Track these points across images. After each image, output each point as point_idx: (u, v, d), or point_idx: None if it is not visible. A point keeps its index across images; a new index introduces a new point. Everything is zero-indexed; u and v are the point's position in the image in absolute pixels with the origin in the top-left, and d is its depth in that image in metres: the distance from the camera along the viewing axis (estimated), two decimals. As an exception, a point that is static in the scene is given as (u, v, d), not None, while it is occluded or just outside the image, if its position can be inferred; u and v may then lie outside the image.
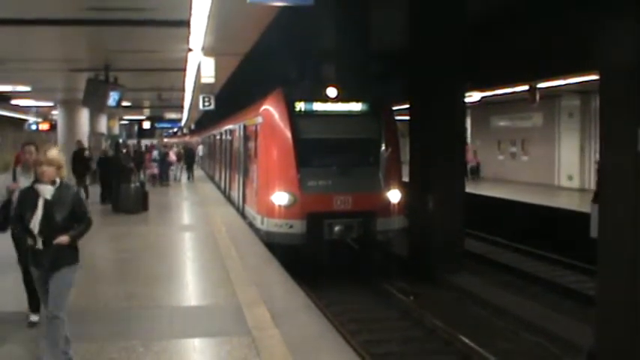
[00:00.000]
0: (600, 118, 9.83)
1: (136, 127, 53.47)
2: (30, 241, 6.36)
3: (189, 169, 37.48)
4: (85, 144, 29.67)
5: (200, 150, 48.99)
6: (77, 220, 6.52)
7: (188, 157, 38.23)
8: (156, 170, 31.99)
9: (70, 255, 6.51)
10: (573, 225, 16.13)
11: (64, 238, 6.31)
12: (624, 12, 8.73)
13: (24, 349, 7.10)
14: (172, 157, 33.97)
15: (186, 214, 21.73)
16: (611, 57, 9.13)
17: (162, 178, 32.18)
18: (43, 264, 6.37)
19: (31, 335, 7.49)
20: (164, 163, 32.69)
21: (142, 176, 27.06)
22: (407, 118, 18.79)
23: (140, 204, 19.87)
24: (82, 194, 6.82)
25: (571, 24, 16.45)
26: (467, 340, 11.10)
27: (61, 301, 6.42)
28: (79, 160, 23.46)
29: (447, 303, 14.14)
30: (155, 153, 33.30)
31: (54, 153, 6.51)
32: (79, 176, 23.10)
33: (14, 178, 8.16)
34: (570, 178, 26.40)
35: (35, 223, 6.29)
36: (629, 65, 8.60)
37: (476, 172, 32.83)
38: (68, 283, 6.53)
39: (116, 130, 43.12)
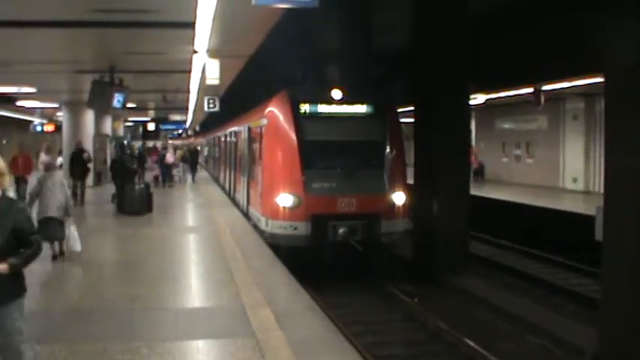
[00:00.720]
0: (605, 121, 9.81)
1: (140, 129, 53.54)
2: None
3: (193, 170, 37.67)
4: (90, 145, 29.79)
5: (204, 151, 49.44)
6: (22, 242, 5.43)
7: (191, 159, 38.39)
8: (157, 172, 32.37)
9: (11, 286, 5.43)
10: (578, 228, 16.13)
11: (2, 267, 5.20)
12: (629, 13, 8.72)
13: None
14: (170, 158, 33.95)
15: (190, 216, 21.77)
16: (616, 58, 9.12)
17: (165, 180, 32.42)
18: None
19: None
20: (162, 164, 32.98)
21: (145, 177, 27.19)
22: (412, 120, 18.78)
23: (145, 205, 19.89)
24: (29, 211, 5.76)
25: (575, 25, 16.44)
26: (471, 343, 11.08)
27: (15, 337, 5.51)
28: (77, 162, 22.94)
29: (451, 305, 14.12)
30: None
31: None
32: (76, 179, 22.46)
33: None
34: (575, 180, 26.37)
35: None
36: (635, 67, 8.59)
37: (480, 174, 32.80)
38: (16, 319, 5.51)
39: (121, 132, 43.21)
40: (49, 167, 13.65)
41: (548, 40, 17.80)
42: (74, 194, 20.34)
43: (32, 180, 20.32)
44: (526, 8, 17.90)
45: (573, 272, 17.32)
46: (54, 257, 12.37)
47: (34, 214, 11.71)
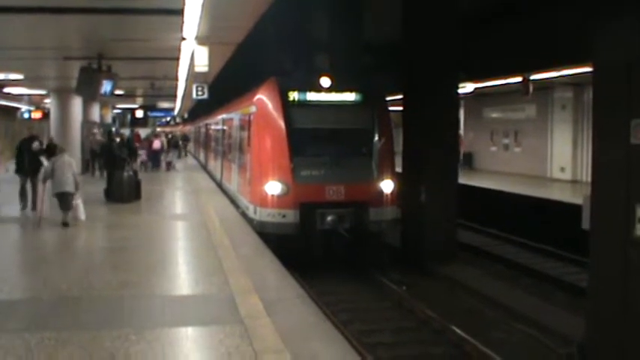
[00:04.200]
0: (593, 111, 9.84)
1: (128, 116, 53.41)
2: None
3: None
4: (77, 132, 29.62)
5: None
6: None
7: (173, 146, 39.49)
8: (145, 157, 33.67)
9: None
10: (564, 216, 16.22)
11: None
12: (619, 10, 8.75)
13: None
14: (156, 144, 35.20)
15: (179, 203, 21.71)
16: (604, 50, 9.15)
17: (153, 164, 34.00)
18: None
19: None
20: (150, 150, 34.36)
21: (135, 165, 27.16)
22: (400, 108, 18.80)
23: (133, 193, 19.82)
24: None
25: (565, 16, 16.47)
26: (459, 331, 11.14)
27: None
28: (25, 153, 17.77)
29: (439, 293, 14.19)
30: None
31: None
32: (26, 174, 17.47)
33: None
34: (563, 169, 26.48)
35: None
36: (623, 58, 8.62)
37: (467, 163, 33.00)
38: None
39: (109, 119, 43.10)
40: (61, 150, 15.94)
41: (537, 30, 17.84)
42: (22, 195, 17.42)
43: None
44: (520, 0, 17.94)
45: (562, 261, 17.42)
46: (64, 224, 14.75)
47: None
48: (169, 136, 47.68)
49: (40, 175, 15.92)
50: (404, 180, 17.18)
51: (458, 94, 18.55)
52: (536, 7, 17.61)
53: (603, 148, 9.21)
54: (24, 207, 17.27)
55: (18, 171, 17.67)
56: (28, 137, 18.54)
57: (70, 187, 14.80)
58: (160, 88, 29.78)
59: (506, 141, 31.30)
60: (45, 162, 17.20)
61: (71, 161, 15.36)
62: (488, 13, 19.64)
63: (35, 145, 17.95)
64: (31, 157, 17.60)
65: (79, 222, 15.17)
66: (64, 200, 14.87)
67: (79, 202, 15.33)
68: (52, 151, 28.41)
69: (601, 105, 9.49)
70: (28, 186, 17.43)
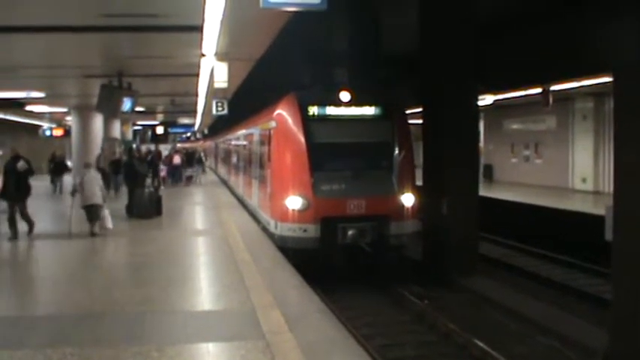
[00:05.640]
0: (614, 119, 9.79)
1: (149, 132, 53.75)
2: None
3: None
4: (99, 149, 29.77)
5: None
6: None
7: (189, 161, 40.34)
8: (165, 173, 34.85)
9: None
10: (586, 227, 16.09)
11: None
12: (636, 11, 8.71)
13: None
14: (177, 160, 36.52)
15: (199, 219, 21.74)
16: (624, 58, 9.10)
17: (174, 179, 35.29)
18: None
19: None
20: (170, 166, 35.71)
21: (156, 182, 27.33)
22: (420, 121, 18.76)
23: (154, 209, 19.91)
24: None
25: (584, 25, 16.38)
26: (481, 344, 11.05)
27: None
28: (10, 176, 15.61)
29: (461, 306, 14.09)
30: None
31: None
32: (11, 199, 15.54)
33: None
34: (584, 180, 26.29)
35: None
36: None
37: (487, 175, 32.91)
38: None
39: (130, 136, 43.41)
40: (87, 165, 17.23)
41: (555, 40, 17.75)
42: (11, 223, 15.45)
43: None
44: (533, 9, 17.84)
45: (583, 272, 17.27)
46: (92, 234, 15.81)
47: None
48: (189, 151, 48.41)
49: (71, 189, 17.16)
50: (425, 193, 17.11)
51: (477, 105, 18.47)
52: (555, 16, 17.52)
53: (624, 156, 9.15)
54: (14, 236, 15.26)
55: (2, 196, 15.69)
56: (13, 157, 15.88)
57: (98, 200, 15.97)
58: (180, 105, 29.95)
59: (526, 152, 31.16)
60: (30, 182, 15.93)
61: (96, 176, 16.54)
62: (507, 24, 19.56)
63: (20, 164, 15.49)
64: (16, 179, 15.45)
65: (107, 231, 16.27)
66: (93, 212, 15.97)
67: (106, 212, 16.38)
68: (59, 168, 28.84)
69: (622, 109, 9.43)
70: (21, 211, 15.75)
